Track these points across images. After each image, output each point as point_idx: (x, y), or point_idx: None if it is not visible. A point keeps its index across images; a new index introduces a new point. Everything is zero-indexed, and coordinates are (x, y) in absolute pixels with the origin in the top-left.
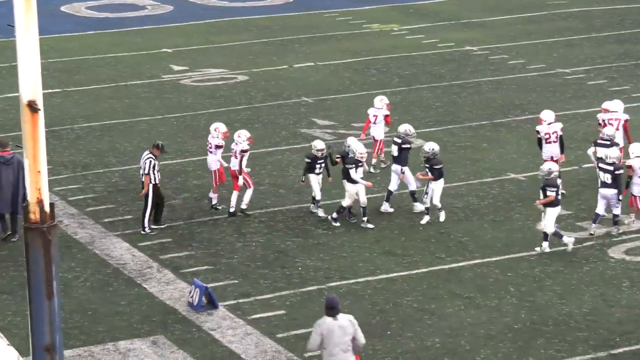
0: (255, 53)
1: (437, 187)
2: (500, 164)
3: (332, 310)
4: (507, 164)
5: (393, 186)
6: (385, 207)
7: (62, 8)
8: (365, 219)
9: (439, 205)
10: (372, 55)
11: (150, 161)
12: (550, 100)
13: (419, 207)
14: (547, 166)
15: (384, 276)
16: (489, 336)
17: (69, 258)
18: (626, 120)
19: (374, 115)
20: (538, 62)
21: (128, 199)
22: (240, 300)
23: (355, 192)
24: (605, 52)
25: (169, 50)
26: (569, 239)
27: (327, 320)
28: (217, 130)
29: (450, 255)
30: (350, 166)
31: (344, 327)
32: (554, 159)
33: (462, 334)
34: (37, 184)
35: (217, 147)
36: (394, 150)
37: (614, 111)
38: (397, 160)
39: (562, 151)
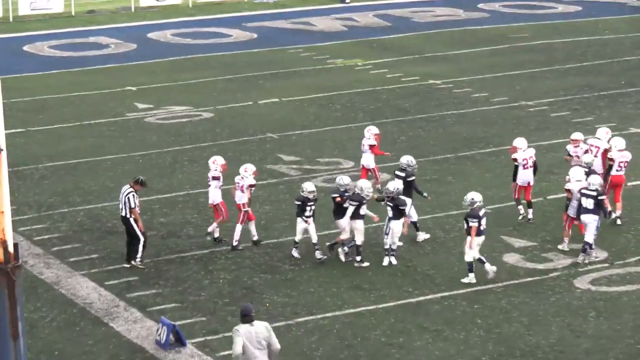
0: (219, 90)
1: (397, 227)
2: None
3: (246, 317)
4: None
5: (413, 216)
6: (421, 236)
7: (25, 47)
8: (359, 258)
9: (395, 245)
10: (336, 90)
11: (133, 195)
12: (514, 133)
13: (422, 236)
14: (469, 196)
15: (352, 310)
16: None
17: (35, 298)
18: (605, 150)
19: (362, 144)
20: (501, 94)
21: (94, 238)
22: (208, 338)
23: (350, 228)
24: (568, 84)
25: (133, 89)
26: (470, 277)
27: (244, 326)
28: (215, 163)
29: (417, 288)
30: (355, 203)
31: (259, 332)
32: (530, 184)
33: None
34: (1, 225)
35: (214, 178)
36: (399, 183)
37: (598, 138)
38: (405, 193)
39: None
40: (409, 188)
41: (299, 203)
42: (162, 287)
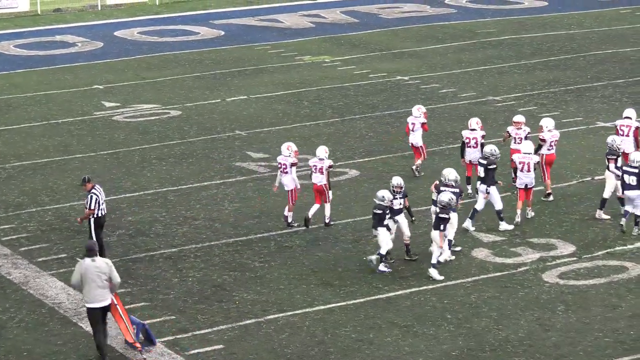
0: (187, 87)
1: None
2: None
3: (89, 252)
4: None
5: (479, 205)
6: (468, 224)
7: None
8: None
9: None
10: (304, 87)
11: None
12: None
13: (504, 226)
14: (380, 193)
15: (322, 307)
16: None
17: (3, 299)
18: (637, 128)
19: (412, 123)
20: (469, 90)
21: (62, 238)
22: (178, 336)
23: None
24: (535, 79)
25: (101, 87)
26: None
27: (87, 260)
28: (290, 149)
29: (387, 284)
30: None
31: (99, 267)
32: (472, 162)
33: None
34: None
35: (292, 165)
36: (480, 171)
37: (628, 117)
38: (483, 180)
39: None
40: (489, 176)
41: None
42: (131, 285)
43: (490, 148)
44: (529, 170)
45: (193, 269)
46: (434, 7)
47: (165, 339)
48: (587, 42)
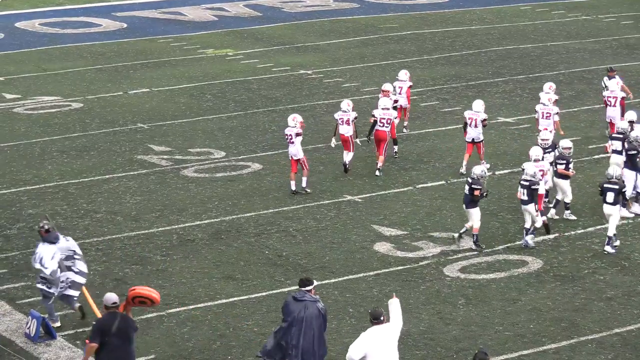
0: (89, 80)
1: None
2: (336, 186)
3: None
4: (343, 186)
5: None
6: (636, 209)
7: None
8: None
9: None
10: (207, 80)
11: None
12: None
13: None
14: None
15: (224, 301)
16: (329, 357)
17: None
18: (622, 98)
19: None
20: (372, 84)
21: None
22: (79, 330)
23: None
24: (437, 74)
25: (1, 79)
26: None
27: None
28: (295, 120)
29: (290, 278)
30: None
31: None
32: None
33: None
34: None
35: (297, 135)
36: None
37: (612, 90)
38: (630, 166)
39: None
40: (633, 161)
41: (537, 187)
42: (32, 279)
43: (636, 134)
44: (476, 126)
45: (94, 263)
46: (337, 1)
47: (66, 332)
48: (488, 37)
